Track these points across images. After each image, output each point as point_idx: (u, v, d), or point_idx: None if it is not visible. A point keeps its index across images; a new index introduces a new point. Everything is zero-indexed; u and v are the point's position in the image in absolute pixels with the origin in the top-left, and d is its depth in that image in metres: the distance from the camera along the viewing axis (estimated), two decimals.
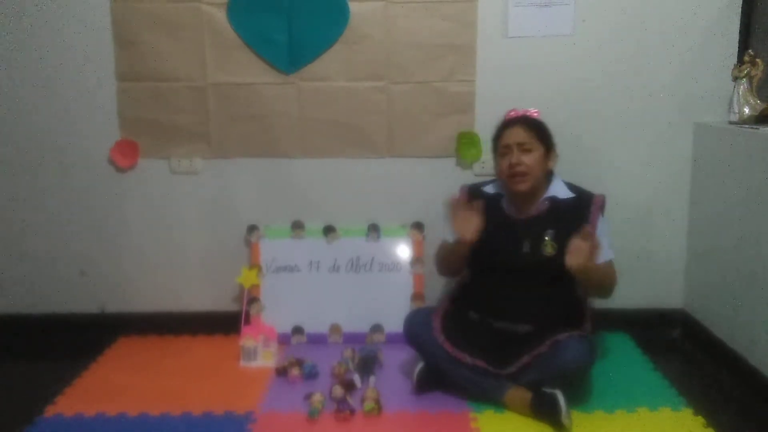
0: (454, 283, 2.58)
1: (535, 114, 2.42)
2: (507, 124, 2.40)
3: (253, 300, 2.82)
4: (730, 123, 2.66)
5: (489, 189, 2.47)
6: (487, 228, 2.34)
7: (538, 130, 2.36)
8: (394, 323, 2.59)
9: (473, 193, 2.47)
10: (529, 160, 2.31)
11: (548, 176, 2.40)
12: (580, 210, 2.34)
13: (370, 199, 2.87)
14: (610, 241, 2.35)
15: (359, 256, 2.84)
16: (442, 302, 2.52)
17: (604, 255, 2.30)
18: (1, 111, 2.81)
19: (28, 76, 2.77)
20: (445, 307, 2.46)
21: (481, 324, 2.36)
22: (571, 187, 2.40)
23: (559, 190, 2.38)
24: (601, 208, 2.36)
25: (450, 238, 2.40)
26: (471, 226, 2.27)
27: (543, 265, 2.28)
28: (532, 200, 2.37)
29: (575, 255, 2.15)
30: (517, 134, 2.34)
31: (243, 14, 2.72)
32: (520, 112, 2.43)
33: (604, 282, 2.32)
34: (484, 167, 2.80)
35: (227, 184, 2.87)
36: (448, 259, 2.44)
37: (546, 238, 2.28)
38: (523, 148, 2.32)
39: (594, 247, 2.14)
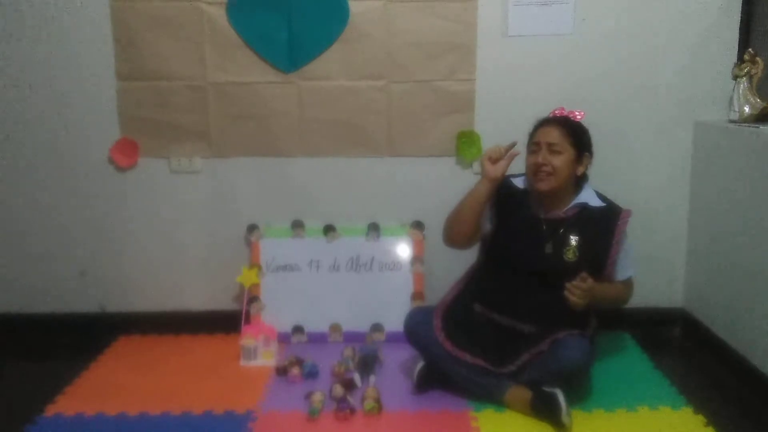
0: (465, 271, 2.53)
1: (579, 116, 2.37)
2: (543, 122, 2.36)
3: (253, 299, 2.82)
4: (731, 122, 2.66)
5: (518, 182, 2.43)
6: (512, 223, 2.35)
7: (572, 133, 2.31)
8: (394, 322, 2.59)
9: (504, 185, 2.40)
10: (557, 161, 2.27)
11: (579, 182, 2.37)
12: (607, 221, 2.33)
13: (370, 199, 2.87)
14: (632, 257, 2.38)
15: (359, 255, 2.84)
16: (445, 297, 2.48)
17: (625, 272, 2.36)
18: (0, 111, 2.81)
19: (27, 75, 2.77)
20: (448, 301, 2.44)
21: (484, 319, 2.36)
22: (601, 196, 2.38)
23: (589, 198, 2.35)
24: (627, 223, 2.35)
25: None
26: (500, 167, 2.27)
27: (561, 269, 2.26)
28: (558, 202, 2.34)
29: (573, 296, 2.17)
30: (550, 134, 2.30)
31: (243, 13, 2.71)
32: (565, 112, 2.39)
33: (615, 301, 2.41)
34: None
35: (227, 183, 2.87)
36: (460, 212, 2.35)
37: (572, 243, 2.28)
38: (552, 149, 2.28)
39: (592, 288, 2.17)
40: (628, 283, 2.41)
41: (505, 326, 2.32)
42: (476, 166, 2.82)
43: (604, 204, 2.36)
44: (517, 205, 2.37)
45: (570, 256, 2.27)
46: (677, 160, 2.81)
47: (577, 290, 2.16)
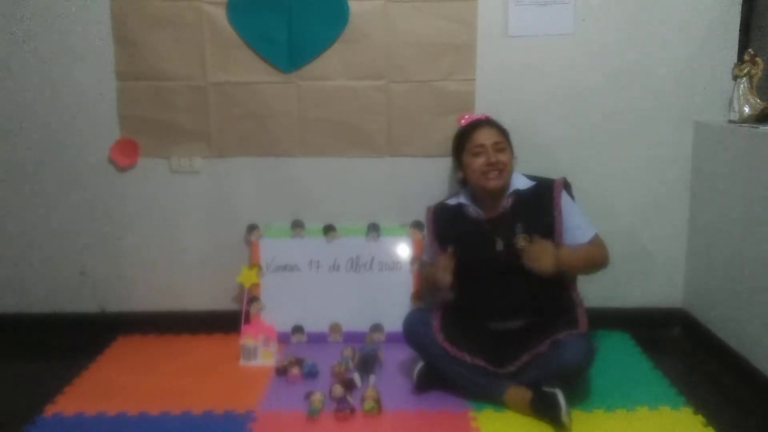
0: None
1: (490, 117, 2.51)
2: (477, 124, 2.46)
3: (253, 299, 2.82)
4: (730, 122, 2.66)
5: (451, 201, 2.52)
6: (458, 236, 2.41)
7: (505, 133, 2.46)
8: (394, 322, 2.59)
9: (438, 210, 2.53)
10: (504, 157, 2.38)
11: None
12: (543, 197, 2.38)
13: (370, 199, 2.87)
14: (587, 218, 2.40)
15: (359, 255, 2.84)
16: (438, 306, 2.51)
17: (585, 233, 2.37)
18: (0, 110, 2.81)
19: (27, 75, 2.77)
20: (444, 308, 2.46)
21: (478, 326, 2.37)
22: (530, 177, 2.45)
23: (519, 182, 2.43)
24: (565, 188, 2.41)
25: (427, 259, 2.56)
26: (447, 273, 2.33)
27: (519, 259, 2.29)
28: (498, 199, 2.40)
29: (534, 261, 2.21)
30: (491, 134, 2.41)
31: (243, 13, 2.71)
32: (475, 117, 2.52)
33: (593, 261, 2.38)
34: None
35: (227, 183, 2.87)
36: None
37: (516, 232, 2.31)
38: (498, 147, 2.38)
39: (549, 246, 2.22)
40: (596, 243, 2.39)
41: (497, 329, 2.34)
42: None
43: (534, 182, 2.42)
44: (458, 220, 2.45)
45: (522, 243, 2.30)
46: (677, 159, 2.81)
47: (536, 251, 2.22)
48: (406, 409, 2.30)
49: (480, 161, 2.37)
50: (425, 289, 2.68)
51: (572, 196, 2.46)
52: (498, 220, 2.37)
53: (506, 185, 2.40)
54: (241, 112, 2.80)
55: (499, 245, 2.34)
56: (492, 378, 2.28)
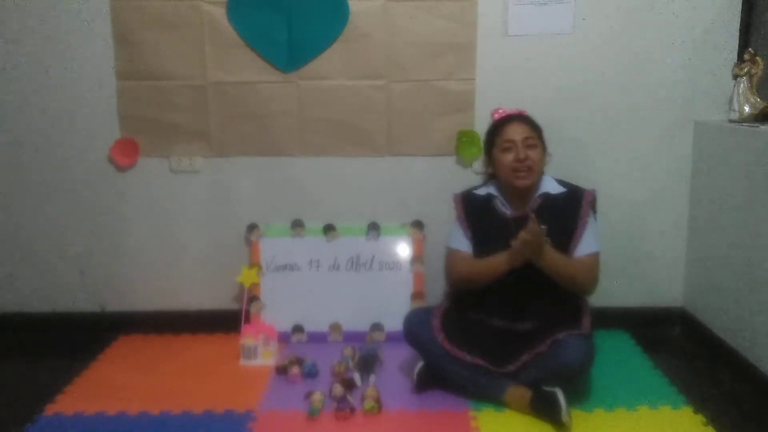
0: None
1: (525, 113, 2.45)
2: (508, 119, 2.40)
3: (253, 299, 2.82)
4: (730, 121, 2.66)
5: (480, 191, 2.47)
6: (483, 229, 2.38)
7: (537, 129, 2.39)
8: (394, 322, 2.59)
9: (466, 198, 2.48)
10: (534, 155, 2.33)
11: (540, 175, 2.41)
12: (571, 205, 2.35)
13: (370, 198, 2.87)
14: (597, 237, 2.37)
15: (359, 254, 2.84)
16: (442, 301, 2.52)
17: (586, 249, 2.33)
18: (1, 110, 2.81)
19: (27, 74, 2.77)
20: (445, 306, 2.46)
21: (481, 323, 2.36)
22: (561, 182, 2.42)
23: (550, 186, 2.39)
24: (592, 203, 2.38)
25: (460, 246, 2.41)
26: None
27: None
28: (526, 197, 2.38)
29: (522, 243, 2.19)
30: (522, 130, 2.34)
31: (243, 13, 2.71)
32: (509, 111, 2.45)
33: (572, 278, 2.29)
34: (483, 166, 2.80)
35: (227, 182, 2.87)
36: (486, 275, 2.34)
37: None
38: (528, 143, 2.33)
39: (539, 240, 2.19)
40: (588, 261, 2.32)
41: (502, 328, 2.33)
42: (476, 166, 2.82)
43: (565, 189, 2.39)
44: (485, 212, 2.41)
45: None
46: (677, 159, 2.81)
47: (528, 237, 2.18)
48: (406, 408, 2.30)
49: (509, 158, 2.33)
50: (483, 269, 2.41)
51: (595, 210, 2.42)
52: (523, 219, 2.32)
53: (535, 183, 2.36)
54: (241, 112, 2.80)
55: None
56: (492, 377, 2.28)
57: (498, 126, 2.42)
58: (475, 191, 2.49)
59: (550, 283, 2.28)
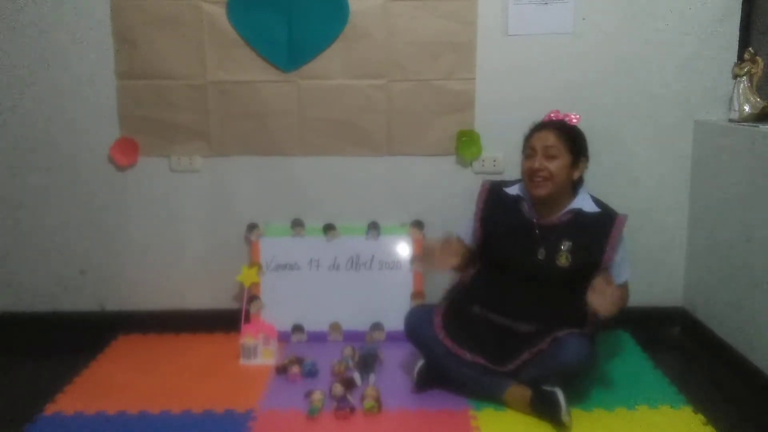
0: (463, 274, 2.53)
1: (575, 120, 2.36)
2: (540, 126, 2.36)
3: (253, 298, 2.82)
4: (730, 121, 2.66)
5: (511, 190, 2.42)
6: (505, 227, 2.36)
7: (568, 137, 2.30)
8: (394, 321, 2.59)
9: (494, 189, 2.44)
10: (553, 166, 2.27)
11: (575, 186, 2.36)
12: (601, 227, 2.31)
13: (369, 198, 2.87)
14: (627, 262, 2.36)
15: (359, 254, 2.84)
16: (444, 296, 2.50)
17: (622, 274, 2.33)
18: (0, 109, 2.81)
19: (27, 74, 2.77)
20: (446, 303, 2.44)
21: (483, 319, 2.36)
22: (597, 202, 2.36)
23: (584, 203, 2.34)
24: (622, 227, 2.33)
25: (462, 234, 2.40)
26: (452, 258, 2.26)
27: (554, 274, 2.27)
28: (554, 208, 2.33)
29: (601, 301, 2.13)
30: (546, 138, 2.29)
31: (243, 12, 2.71)
32: (561, 116, 2.38)
33: (622, 305, 2.28)
34: (483, 165, 2.80)
35: (227, 182, 2.87)
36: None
37: (562, 248, 2.27)
38: (548, 154, 2.27)
39: (613, 292, 2.14)
40: (625, 288, 2.36)
41: (503, 326, 2.32)
42: (476, 165, 2.82)
43: (599, 209, 2.34)
44: (509, 212, 2.38)
45: (562, 261, 2.27)
46: (677, 159, 2.81)
47: (606, 296, 2.12)
48: (406, 407, 2.30)
49: (527, 165, 2.30)
50: (424, 253, 2.47)
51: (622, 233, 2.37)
52: (548, 229, 2.31)
53: (556, 194, 2.29)
54: (241, 111, 2.80)
55: (541, 254, 2.29)
56: (492, 376, 2.28)
57: (531, 130, 2.37)
58: (505, 187, 2.44)
59: (559, 295, 2.27)
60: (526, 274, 2.30)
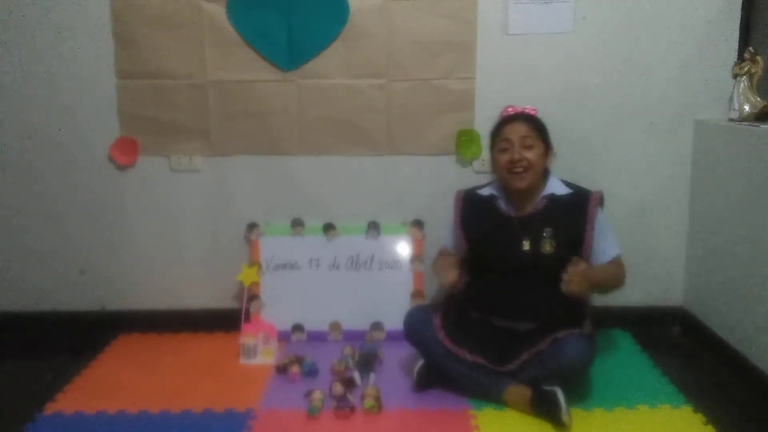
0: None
1: (534, 111, 2.42)
2: (508, 119, 2.39)
3: (253, 297, 2.82)
4: (731, 120, 2.65)
5: (484, 191, 2.47)
6: (485, 228, 2.38)
7: (539, 127, 2.37)
8: (394, 321, 2.59)
9: (468, 195, 2.49)
10: (531, 155, 2.31)
11: (545, 175, 2.41)
12: (577, 207, 2.34)
13: (369, 197, 2.87)
14: (614, 237, 2.37)
15: (359, 253, 2.84)
16: (442, 300, 2.52)
17: (609, 252, 2.34)
18: (0, 109, 2.81)
19: (27, 73, 2.77)
20: (446, 304, 2.46)
21: (482, 321, 2.36)
22: (567, 184, 2.41)
23: (556, 187, 2.38)
24: (600, 203, 2.37)
25: (449, 244, 2.46)
26: (449, 275, 2.27)
27: (542, 262, 2.28)
28: (530, 198, 2.37)
29: (570, 284, 2.16)
30: (520, 129, 2.33)
31: (243, 12, 2.71)
32: (519, 109, 2.42)
33: (612, 284, 2.35)
34: (483, 165, 2.80)
35: (227, 181, 2.87)
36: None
37: (544, 235, 2.29)
38: (525, 144, 2.32)
39: (587, 272, 2.18)
40: (618, 263, 2.37)
41: (502, 327, 2.33)
42: (476, 165, 2.82)
43: (571, 190, 2.38)
44: (487, 212, 2.41)
45: (547, 248, 2.29)
46: (677, 158, 2.81)
47: (575, 276, 2.15)
48: (406, 407, 2.30)
49: (505, 158, 2.33)
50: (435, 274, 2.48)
51: (602, 208, 2.40)
52: (527, 219, 2.33)
53: (534, 184, 2.34)
54: (241, 111, 2.80)
55: (526, 245, 2.31)
56: (492, 376, 2.28)
57: (498, 125, 2.42)
58: (478, 191, 2.49)
59: (550, 285, 2.27)
60: (515, 269, 2.30)
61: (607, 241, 2.35)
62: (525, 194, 2.36)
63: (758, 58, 2.60)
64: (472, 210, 2.45)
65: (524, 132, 2.33)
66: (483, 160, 2.80)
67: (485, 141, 2.77)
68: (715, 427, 2.15)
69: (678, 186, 2.84)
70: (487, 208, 2.42)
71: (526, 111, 2.42)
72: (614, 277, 2.35)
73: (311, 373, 2.51)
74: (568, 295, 2.17)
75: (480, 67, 2.75)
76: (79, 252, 2.92)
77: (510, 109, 2.44)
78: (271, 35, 2.73)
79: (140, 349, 2.77)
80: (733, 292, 2.52)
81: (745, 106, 2.62)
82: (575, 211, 2.33)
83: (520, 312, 2.30)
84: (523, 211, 2.37)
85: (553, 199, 2.36)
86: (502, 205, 2.40)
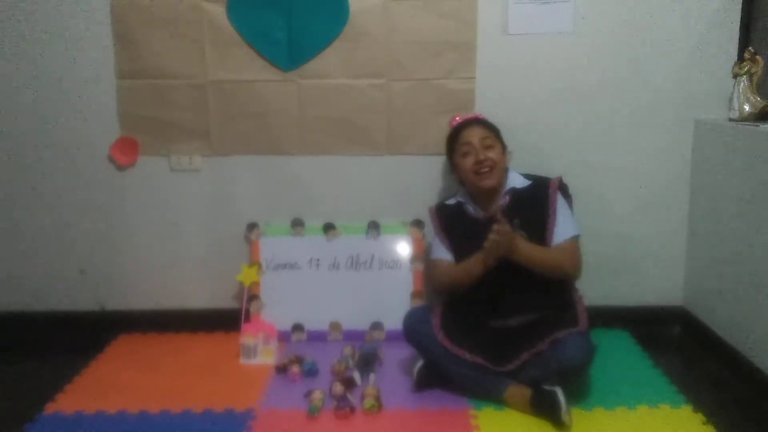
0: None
1: (480, 116, 2.52)
2: (463, 125, 2.49)
3: (253, 297, 2.82)
4: (731, 120, 2.65)
5: (451, 201, 2.54)
6: (459, 235, 2.43)
7: (494, 129, 2.47)
8: (394, 321, 2.59)
9: (439, 210, 2.54)
10: (494, 155, 2.39)
11: (505, 172, 2.46)
12: (538, 196, 2.39)
13: (369, 197, 2.87)
14: (573, 221, 2.39)
15: (359, 253, 2.84)
16: (441, 300, 2.52)
17: (566, 232, 2.35)
18: (0, 108, 2.81)
19: (27, 73, 2.77)
20: (445, 304, 2.46)
21: (478, 323, 2.37)
22: (527, 176, 2.46)
23: (516, 181, 2.44)
24: (560, 188, 2.42)
25: (441, 256, 2.46)
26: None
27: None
28: (494, 197, 2.42)
29: (492, 240, 2.22)
30: (478, 132, 2.43)
31: (243, 11, 2.71)
32: (468, 116, 2.54)
33: (550, 264, 2.30)
34: None
35: (227, 181, 2.87)
36: (466, 279, 2.37)
37: (514, 228, 2.29)
38: (486, 144, 2.40)
39: (514, 237, 2.23)
40: (569, 245, 2.33)
41: (498, 328, 2.33)
42: None
43: (530, 182, 2.44)
44: (458, 220, 2.46)
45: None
46: (677, 158, 2.81)
47: (500, 233, 2.21)
48: (406, 407, 2.30)
49: (469, 161, 2.40)
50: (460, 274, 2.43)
51: (569, 195, 2.46)
52: (494, 218, 2.36)
53: (500, 183, 2.41)
54: (241, 111, 2.80)
55: None
56: (492, 376, 2.28)
57: (455, 132, 2.49)
58: (446, 202, 2.56)
59: (531, 276, 2.29)
60: (496, 267, 2.30)
61: (565, 222, 2.37)
62: (490, 194, 2.41)
63: (758, 57, 2.60)
64: (446, 220, 2.51)
65: (482, 134, 2.42)
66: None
67: None
68: (714, 427, 2.15)
69: (678, 185, 2.84)
70: (457, 215, 2.48)
71: (478, 116, 2.53)
72: (549, 258, 2.31)
73: (311, 373, 2.51)
74: (486, 249, 2.24)
75: (480, 67, 2.75)
76: (79, 252, 2.92)
77: (458, 118, 2.55)
78: (271, 35, 2.72)
79: (140, 349, 2.77)
80: (734, 292, 2.52)
81: (745, 106, 2.62)
82: (538, 200, 2.38)
83: (507, 308, 2.32)
84: (489, 211, 2.41)
85: (515, 193, 2.41)
86: (470, 209, 2.46)
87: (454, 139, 2.48)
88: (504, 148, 2.45)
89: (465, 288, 2.38)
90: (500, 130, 2.49)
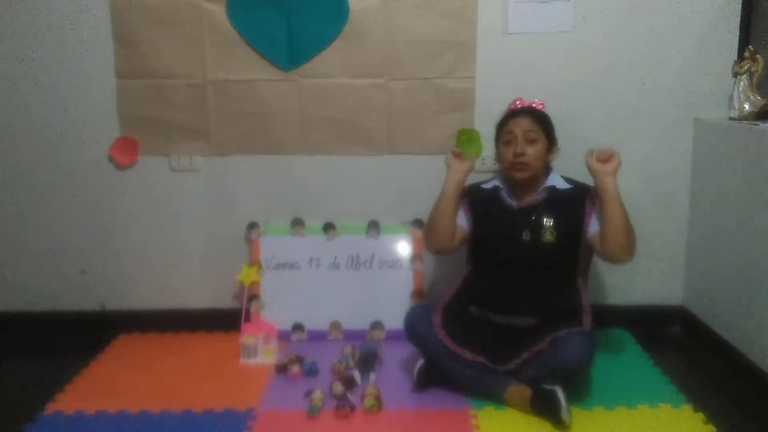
0: (455, 278, 2.56)
1: (541, 105, 2.45)
2: (514, 112, 2.42)
3: (253, 297, 2.82)
4: (731, 119, 2.66)
5: (488, 185, 2.49)
6: (488, 220, 2.39)
7: (544, 123, 2.40)
8: (395, 320, 2.59)
9: (473, 189, 2.49)
10: (533, 150, 2.34)
11: (547, 171, 2.42)
12: (577, 199, 2.37)
13: (370, 196, 2.87)
14: None
15: (359, 253, 2.84)
16: (442, 298, 2.51)
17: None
18: (0, 109, 2.81)
19: (27, 73, 2.77)
20: (446, 302, 2.45)
21: (482, 319, 2.36)
22: (567, 180, 2.43)
23: (557, 181, 2.41)
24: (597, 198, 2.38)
25: (459, 221, 2.44)
26: (466, 163, 2.38)
27: (542, 252, 2.30)
28: (531, 189, 2.39)
29: (605, 166, 2.23)
30: (524, 123, 2.36)
31: (243, 11, 2.71)
32: (527, 103, 2.45)
33: (629, 223, 2.28)
34: (484, 163, 2.80)
35: (227, 181, 2.87)
36: (435, 212, 2.41)
37: (545, 224, 2.30)
38: (528, 138, 2.34)
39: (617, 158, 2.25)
40: None
41: (502, 325, 2.33)
42: (477, 164, 2.80)
43: (571, 185, 2.41)
44: (490, 204, 2.43)
45: (548, 237, 2.31)
46: (677, 157, 2.81)
47: (613, 160, 2.24)
48: (406, 406, 2.30)
49: (509, 151, 2.36)
50: (433, 213, 2.45)
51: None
52: (528, 209, 2.36)
53: (536, 176, 2.37)
54: (240, 110, 2.80)
55: (526, 235, 2.33)
56: (492, 375, 2.28)
57: (504, 118, 2.44)
58: (482, 185, 2.51)
59: (550, 277, 2.28)
60: (515, 260, 2.31)
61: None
62: (527, 185, 2.38)
63: (758, 56, 2.60)
64: (477, 201, 2.46)
65: (528, 126, 2.35)
66: (483, 159, 2.80)
67: (485, 140, 2.78)
68: (715, 427, 2.15)
69: (678, 184, 2.84)
70: (491, 199, 2.44)
71: (533, 105, 2.45)
72: (628, 219, 2.29)
73: (311, 372, 2.51)
74: (588, 164, 2.27)
75: (480, 67, 2.75)
76: (79, 252, 2.92)
77: (518, 102, 2.46)
78: (271, 35, 2.72)
79: (140, 349, 2.77)
80: (734, 291, 2.52)
81: (745, 105, 2.62)
82: (575, 203, 2.36)
83: (518, 305, 2.31)
84: (524, 201, 2.38)
85: (553, 191, 2.38)
86: (505, 196, 2.42)
87: (502, 124, 2.42)
88: (551, 143, 2.40)
89: (441, 221, 2.38)
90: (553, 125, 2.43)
